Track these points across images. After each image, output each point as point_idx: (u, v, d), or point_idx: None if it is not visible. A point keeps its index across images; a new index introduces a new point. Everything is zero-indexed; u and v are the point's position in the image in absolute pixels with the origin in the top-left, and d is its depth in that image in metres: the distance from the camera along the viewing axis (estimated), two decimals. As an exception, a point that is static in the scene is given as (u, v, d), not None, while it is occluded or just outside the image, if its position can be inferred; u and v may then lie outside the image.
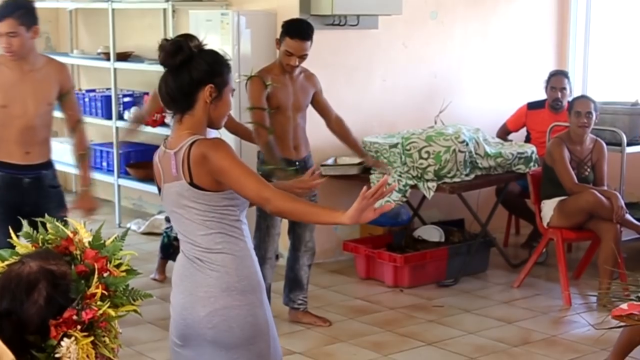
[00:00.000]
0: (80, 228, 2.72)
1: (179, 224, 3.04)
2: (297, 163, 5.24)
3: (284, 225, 5.37)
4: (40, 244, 2.72)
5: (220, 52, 3.08)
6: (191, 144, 2.93)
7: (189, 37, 3.01)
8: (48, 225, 2.75)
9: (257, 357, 3.04)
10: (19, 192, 4.51)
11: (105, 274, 2.60)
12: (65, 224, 2.78)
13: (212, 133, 3.20)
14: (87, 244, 2.67)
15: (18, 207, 4.39)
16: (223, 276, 2.98)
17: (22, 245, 2.73)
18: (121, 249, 2.70)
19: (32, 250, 2.70)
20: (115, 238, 2.74)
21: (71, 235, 2.68)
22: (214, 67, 2.99)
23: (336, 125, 5.49)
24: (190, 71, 2.95)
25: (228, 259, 2.98)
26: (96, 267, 2.58)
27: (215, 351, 3.00)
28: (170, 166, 2.98)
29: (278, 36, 5.23)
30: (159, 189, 3.08)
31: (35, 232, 2.75)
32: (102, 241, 2.71)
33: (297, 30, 5.15)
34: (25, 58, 4.45)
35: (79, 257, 2.63)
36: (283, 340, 5.25)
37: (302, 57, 5.19)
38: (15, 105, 4.44)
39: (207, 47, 3.03)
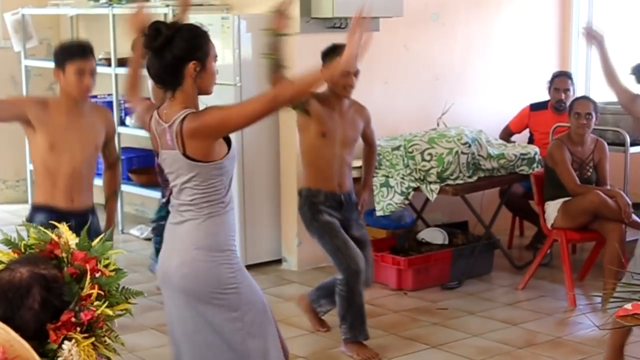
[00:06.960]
0: (65, 230, 2.71)
1: (171, 182, 3.33)
2: (341, 196, 5.05)
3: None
4: (23, 250, 2.70)
5: (197, 24, 3.29)
6: (183, 119, 3.17)
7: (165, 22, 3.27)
8: (30, 231, 2.74)
9: (227, 308, 3.28)
10: None
11: (97, 275, 2.60)
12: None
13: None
14: (73, 246, 2.66)
15: None
16: (193, 232, 3.26)
17: (3, 252, 2.69)
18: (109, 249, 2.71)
19: (15, 257, 2.66)
20: (101, 239, 2.75)
21: (55, 238, 2.68)
22: (193, 43, 3.21)
23: (368, 153, 5.33)
24: (172, 51, 3.18)
25: (201, 220, 3.26)
26: (88, 268, 2.57)
27: (184, 298, 3.29)
28: (165, 138, 3.24)
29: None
30: (157, 153, 3.36)
31: (14, 238, 2.74)
32: (88, 242, 2.70)
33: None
34: (77, 102, 4.29)
35: (66, 259, 2.62)
36: (288, 343, 5.24)
37: (357, 74, 4.90)
38: (64, 151, 4.24)
39: (184, 23, 3.30)
